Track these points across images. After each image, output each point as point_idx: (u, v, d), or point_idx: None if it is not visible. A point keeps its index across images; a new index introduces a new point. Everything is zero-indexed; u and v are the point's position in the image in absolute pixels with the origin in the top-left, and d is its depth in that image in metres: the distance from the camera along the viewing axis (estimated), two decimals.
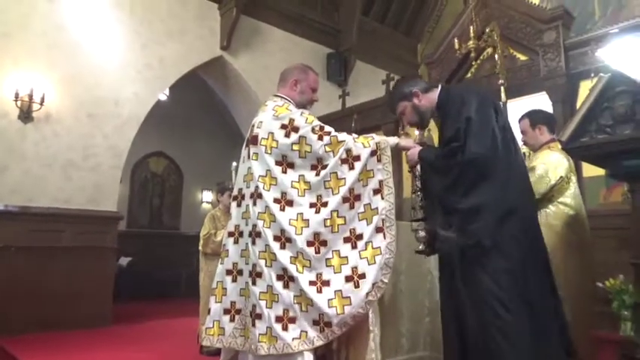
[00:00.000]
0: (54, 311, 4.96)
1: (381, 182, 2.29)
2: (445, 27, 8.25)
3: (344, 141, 2.33)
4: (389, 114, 6.12)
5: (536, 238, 2.11)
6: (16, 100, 5.06)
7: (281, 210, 2.31)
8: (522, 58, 4.85)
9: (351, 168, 2.30)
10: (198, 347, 3.99)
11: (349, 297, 2.17)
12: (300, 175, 2.35)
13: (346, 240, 2.25)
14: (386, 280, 2.20)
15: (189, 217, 9.69)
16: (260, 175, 2.39)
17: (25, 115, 5.14)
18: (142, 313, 6.38)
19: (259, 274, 2.31)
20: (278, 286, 2.23)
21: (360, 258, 2.21)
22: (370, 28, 8.86)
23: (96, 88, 5.69)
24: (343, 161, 2.31)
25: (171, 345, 4.51)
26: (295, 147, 2.36)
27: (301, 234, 2.26)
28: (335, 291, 2.18)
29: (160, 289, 8.12)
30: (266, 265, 2.28)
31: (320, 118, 7.18)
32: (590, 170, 3.88)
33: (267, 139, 2.41)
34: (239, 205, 2.51)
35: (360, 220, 2.26)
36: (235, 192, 2.58)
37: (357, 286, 2.17)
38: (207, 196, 10.21)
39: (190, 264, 8.38)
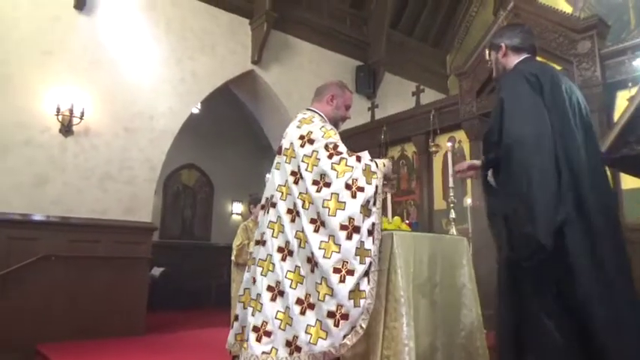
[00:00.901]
0: (90, 319, 5.10)
1: (374, 225, 2.25)
2: (475, 38, 8.23)
3: (352, 167, 2.29)
4: (419, 125, 6.12)
5: (617, 248, 1.80)
6: (57, 115, 5.27)
7: (291, 221, 2.34)
8: (556, 67, 4.78)
9: (353, 197, 2.24)
10: (230, 358, 4.02)
11: (326, 332, 2.13)
12: (306, 188, 2.33)
13: (336, 271, 2.15)
14: (364, 326, 2.14)
15: (220, 229, 9.84)
16: (279, 184, 2.45)
17: (66, 129, 5.34)
18: (173, 322, 6.48)
19: (254, 281, 2.38)
20: (265, 297, 2.28)
21: (348, 298, 2.12)
22: (399, 40, 8.89)
23: (132, 102, 5.88)
24: (347, 187, 2.26)
25: (203, 355, 4.57)
26: (306, 159, 2.37)
27: (304, 248, 2.25)
28: (317, 319, 2.16)
29: (191, 300, 8.24)
30: (261, 274, 2.33)
31: (349, 131, 7.25)
32: (629, 182, 3.79)
33: (289, 149, 2.46)
34: (266, 213, 2.54)
35: (355, 256, 2.18)
36: (263, 201, 2.62)
37: (336, 324, 2.12)
38: (237, 207, 10.35)
39: (220, 275, 8.48)
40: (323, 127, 2.46)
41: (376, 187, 2.29)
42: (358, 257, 2.18)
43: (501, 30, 2.28)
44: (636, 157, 2.09)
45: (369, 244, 2.21)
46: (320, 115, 2.61)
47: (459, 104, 5.62)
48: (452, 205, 3.65)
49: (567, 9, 7.07)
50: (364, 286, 2.16)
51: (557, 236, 1.67)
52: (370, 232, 2.23)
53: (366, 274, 2.18)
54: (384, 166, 2.38)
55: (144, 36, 6.06)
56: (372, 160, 2.35)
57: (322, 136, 2.40)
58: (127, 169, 5.78)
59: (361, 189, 2.26)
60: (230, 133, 10.14)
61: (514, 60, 2.12)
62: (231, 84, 7.07)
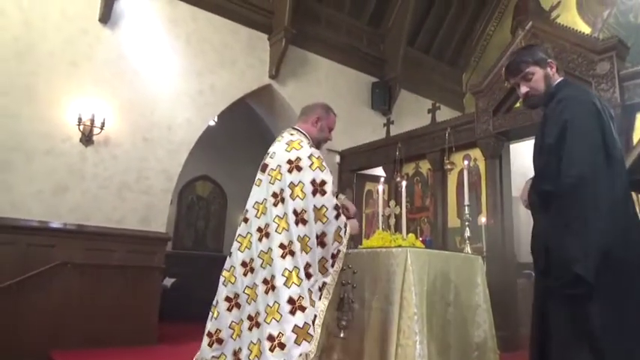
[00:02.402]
0: (103, 327, 5.13)
1: (324, 284, 2.34)
2: (491, 57, 8.25)
3: (328, 219, 2.36)
4: (435, 142, 6.13)
5: None
6: (78, 125, 5.38)
7: (258, 240, 2.41)
8: None
9: (319, 245, 2.34)
10: None
11: (262, 353, 2.18)
12: (285, 214, 2.37)
13: (290, 301, 2.22)
14: None
15: (232, 241, 9.80)
16: (256, 202, 2.52)
17: (87, 138, 5.44)
18: (185, 333, 6.45)
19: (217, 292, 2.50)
20: (223, 305, 2.43)
21: (292, 331, 2.16)
22: (415, 57, 8.94)
23: (152, 113, 5.99)
24: (316, 236, 2.34)
25: None
26: (290, 186, 2.40)
27: (265, 269, 2.33)
28: (258, 339, 2.22)
29: (203, 311, 8.21)
30: (223, 283, 2.47)
31: (364, 146, 7.28)
32: None
33: (275, 170, 2.49)
34: (238, 226, 2.66)
35: (307, 294, 2.26)
36: (245, 214, 2.67)
37: (272, 350, 2.15)
38: None
39: None
40: (311, 155, 2.48)
41: (338, 250, 2.39)
42: (308, 296, 2.27)
43: (534, 48, 2.22)
44: None
45: (316, 295, 2.31)
46: (305, 136, 2.66)
47: (475, 122, 5.63)
48: (467, 223, 3.64)
49: (586, 30, 7.07)
50: (311, 330, 2.21)
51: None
52: (320, 288, 2.33)
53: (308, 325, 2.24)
54: (350, 229, 2.47)
55: (165, 49, 6.19)
56: (345, 225, 2.43)
57: (309, 166, 2.43)
58: (144, 179, 5.86)
59: (324, 244, 2.37)
60: (245, 146, 10.21)
61: (557, 79, 2.11)
62: (248, 98, 7.17)
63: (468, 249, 3.46)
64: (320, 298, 2.29)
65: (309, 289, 2.26)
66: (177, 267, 8.28)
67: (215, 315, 2.44)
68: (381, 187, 3.94)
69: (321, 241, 2.35)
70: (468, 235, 3.54)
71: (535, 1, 8.22)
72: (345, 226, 2.42)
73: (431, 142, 6.20)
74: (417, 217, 6.35)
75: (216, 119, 8.64)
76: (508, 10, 9.11)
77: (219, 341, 2.36)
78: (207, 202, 10.06)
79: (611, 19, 7.43)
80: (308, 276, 2.28)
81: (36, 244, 4.99)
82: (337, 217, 2.39)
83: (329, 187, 2.42)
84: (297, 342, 2.14)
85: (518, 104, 5.36)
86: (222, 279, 2.49)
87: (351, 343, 2.74)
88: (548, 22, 5.28)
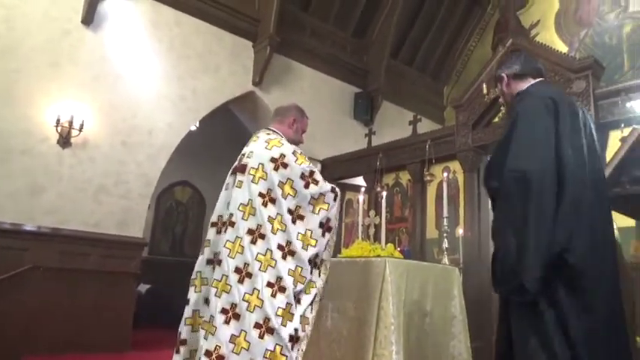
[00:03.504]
0: (76, 333, 5.00)
1: (322, 261, 2.41)
2: (472, 72, 8.41)
3: (329, 205, 2.40)
4: (415, 154, 6.20)
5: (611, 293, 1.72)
6: (57, 126, 5.29)
7: (252, 242, 2.28)
8: None
9: (323, 235, 2.37)
10: None
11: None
12: (278, 214, 2.33)
13: (298, 299, 2.26)
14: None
15: None
16: (241, 204, 2.36)
17: (64, 140, 5.35)
18: (159, 340, 6.35)
19: (207, 300, 2.32)
20: (219, 319, 2.19)
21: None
22: (398, 70, 9.05)
23: (132, 117, 5.92)
24: (320, 225, 2.36)
25: None
26: (280, 185, 2.37)
27: (265, 272, 2.22)
28: (276, 344, 2.14)
29: (178, 318, 8.09)
30: (215, 295, 2.24)
31: (346, 155, 7.27)
32: (620, 221, 3.83)
33: (257, 169, 2.42)
34: (218, 232, 2.46)
35: (305, 294, 2.29)
36: (214, 218, 2.54)
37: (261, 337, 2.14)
38: None
39: None
40: (295, 151, 2.49)
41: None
42: (306, 293, 2.30)
43: (501, 62, 2.30)
44: (627, 196, 2.15)
45: (319, 280, 2.36)
46: (281, 136, 2.63)
47: (455, 136, 5.71)
48: (445, 234, 3.69)
49: (563, 48, 7.27)
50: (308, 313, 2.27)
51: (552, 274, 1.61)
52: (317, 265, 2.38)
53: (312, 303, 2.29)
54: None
55: (147, 53, 6.14)
56: (336, 190, 2.50)
57: (295, 162, 2.43)
58: (122, 183, 5.77)
59: (330, 228, 2.40)
60: (226, 152, 10.12)
61: (520, 86, 2.05)
62: (231, 104, 7.15)
63: (445, 260, 3.50)
64: (319, 275, 2.32)
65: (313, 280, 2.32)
66: (152, 273, 8.16)
67: (212, 331, 2.18)
68: (361, 197, 3.97)
69: (327, 227, 2.37)
70: (446, 246, 3.59)
71: (516, 19, 8.42)
72: (336, 191, 2.49)
73: (411, 153, 6.27)
74: (395, 227, 6.39)
75: (197, 124, 8.58)
76: (489, 26, 9.32)
77: (221, 358, 2.12)
78: (186, 207, 9.97)
79: (587, 39, 7.65)
80: (315, 266, 2.32)
81: (7, 247, 4.87)
82: (336, 198, 2.44)
83: (319, 175, 2.43)
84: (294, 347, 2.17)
85: (497, 119, 5.47)
86: (213, 290, 2.25)
87: (328, 352, 2.73)
88: (528, 40, 5.41)
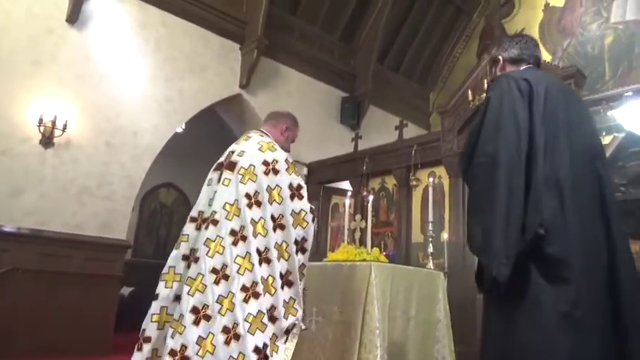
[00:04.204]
0: (56, 336, 4.91)
1: (304, 290, 2.41)
2: (457, 78, 8.50)
3: (307, 223, 2.38)
4: (401, 159, 6.24)
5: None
6: (39, 126, 5.20)
7: (233, 244, 2.22)
8: None
9: (296, 253, 2.34)
10: None
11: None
12: (261, 217, 2.31)
13: (271, 316, 2.22)
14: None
15: None
16: (227, 203, 2.30)
17: (47, 140, 5.26)
18: None
19: (178, 298, 2.23)
20: (188, 319, 2.11)
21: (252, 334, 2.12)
22: (385, 75, 9.11)
23: (117, 118, 5.85)
24: (295, 242, 2.35)
25: None
26: (268, 190, 2.35)
27: (242, 275, 2.18)
28: (240, 352, 2.09)
29: None
30: (188, 293, 2.15)
31: (332, 159, 7.28)
32: None
33: (248, 170, 2.38)
34: (198, 228, 2.38)
35: (283, 306, 2.26)
36: (194, 213, 2.46)
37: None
38: None
39: None
40: (287, 159, 2.49)
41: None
42: (284, 310, 2.26)
43: (501, 43, 2.11)
44: None
45: (297, 304, 2.32)
46: (274, 141, 2.63)
47: (441, 141, 5.76)
48: (430, 239, 3.71)
49: (547, 57, 7.39)
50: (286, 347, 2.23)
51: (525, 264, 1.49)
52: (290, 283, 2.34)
53: (287, 332, 2.25)
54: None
55: (133, 53, 6.08)
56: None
57: (286, 170, 2.43)
58: (106, 185, 5.70)
59: (305, 250, 2.37)
60: (211, 154, 10.02)
61: (513, 69, 1.93)
62: (217, 106, 7.12)
63: (430, 264, 3.52)
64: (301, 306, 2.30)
65: (285, 299, 2.25)
66: (135, 275, 8.05)
67: (180, 330, 2.09)
68: (347, 201, 3.98)
69: (301, 247, 2.34)
70: (431, 250, 3.61)
71: (500, 27, 8.55)
72: (315, 212, 2.47)
73: (397, 158, 6.30)
74: (381, 231, 6.42)
75: (183, 126, 8.52)
76: (475, 33, 9.44)
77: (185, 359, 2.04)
78: (171, 210, 9.88)
79: (570, 49, 7.79)
80: (289, 284, 2.26)
81: None
82: (314, 220, 2.42)
83: (305, 192, 2.43)
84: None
85: None
86: (186, 288, 2.16)
87: (313, 356, 2.73)
88: None
